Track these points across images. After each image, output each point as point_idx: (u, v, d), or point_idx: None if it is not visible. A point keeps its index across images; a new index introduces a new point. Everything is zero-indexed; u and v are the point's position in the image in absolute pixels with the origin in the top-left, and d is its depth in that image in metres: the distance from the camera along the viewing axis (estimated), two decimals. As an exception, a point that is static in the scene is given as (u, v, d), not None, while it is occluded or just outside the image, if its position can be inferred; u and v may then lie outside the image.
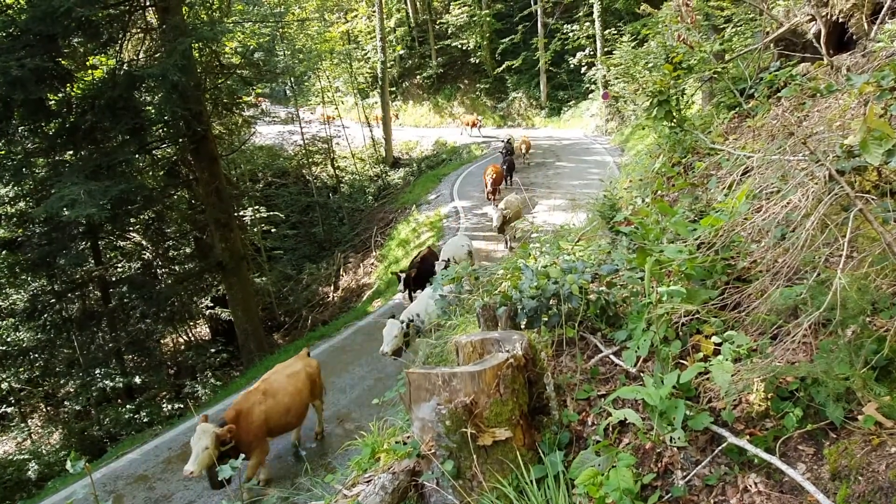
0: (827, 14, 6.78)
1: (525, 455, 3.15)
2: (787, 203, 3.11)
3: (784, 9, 8.41)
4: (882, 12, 6.17)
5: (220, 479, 4.08)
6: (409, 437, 3.74)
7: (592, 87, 29.80)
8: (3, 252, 14.42)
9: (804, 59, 7.18)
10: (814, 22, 7.11)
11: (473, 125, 33.32)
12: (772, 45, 7.88)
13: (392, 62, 37.52)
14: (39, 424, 16.53)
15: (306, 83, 31.01)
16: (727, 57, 8.82)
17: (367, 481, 3.53)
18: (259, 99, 32.07)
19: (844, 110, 4.69)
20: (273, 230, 24.59)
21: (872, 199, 2.87)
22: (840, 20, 6.70)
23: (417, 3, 40.39)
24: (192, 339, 20.20)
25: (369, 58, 35.79)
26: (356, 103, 34.74)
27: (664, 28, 10.59)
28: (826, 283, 2.75)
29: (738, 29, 10.01)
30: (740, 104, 7.49)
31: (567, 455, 3.24)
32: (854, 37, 6.65)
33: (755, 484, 2.71)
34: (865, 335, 2.72)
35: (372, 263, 21.52)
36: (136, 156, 14.89)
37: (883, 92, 3.78)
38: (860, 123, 2.83)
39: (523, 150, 23.26)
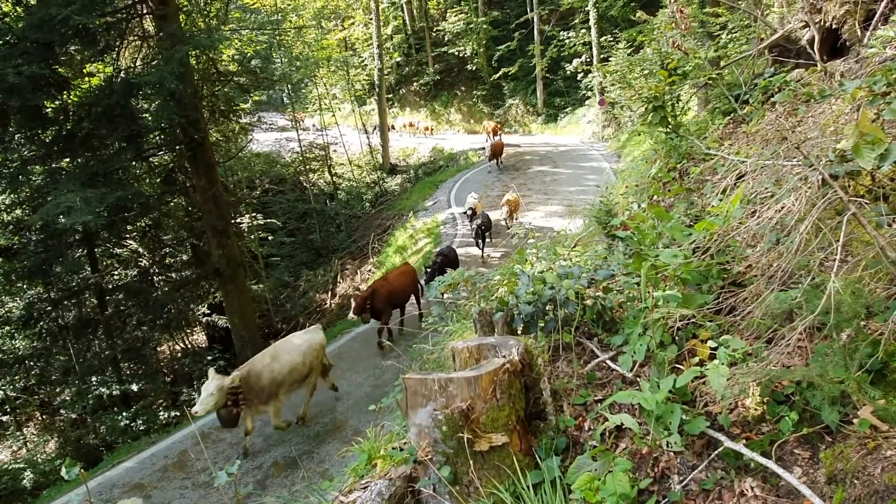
0: (820, 20, 6.83)
1: (522, 460, 3.15)
2: (782, 207, 3.12)
3: (778, 15, 8.47)
4: (875, 18, 6.22)
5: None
6: (405, 443, 3.73)
7: (589, 93, 29.94)
8: (0, 259, 14.38)
9: (798, 65, 7.22)
10: (807, 28, 7.16)
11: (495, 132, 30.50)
12: (766, 51, 7.93)
13: (389, 69, 37.65)
14: (35, 433, 16.43)
15: (303, 90, 31.10)
16: (722, 63, 8.88)
17: (364, 488, 3.52)
18: (300, 115, 32.46)
19: (838, 115, 4.72)
20: (270, 237, 24.57)
21: (866, 202, 2.88)
22: (833, 26, 6.75)
23: (414, 11, 40.57)
24: (189, 346, 20.12)
25: (366, 65, 35.93)
26: (353, 110, 34.87)
27: (659, 35, 10.65)
28: (820, 287, 2.76)
29: (733, 35, 10.09)
30: (735, 110, 7.53)
31: (564, 460, 3.24)
32: (847, 43, 6.69)
33: (751, 488, 2.71)
34: (860, 339, 2.72)
35: (369, 270, 21.49)
36: (133, 163, 14.89)
37: (875, 97, 3.81)
38: (853, 128, 2.85)
39: (505, 215, 16.70)
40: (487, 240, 15.65)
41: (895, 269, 2.61)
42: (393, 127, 36.18)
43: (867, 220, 2.70)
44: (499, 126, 29.59)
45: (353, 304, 10.77)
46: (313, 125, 32.13)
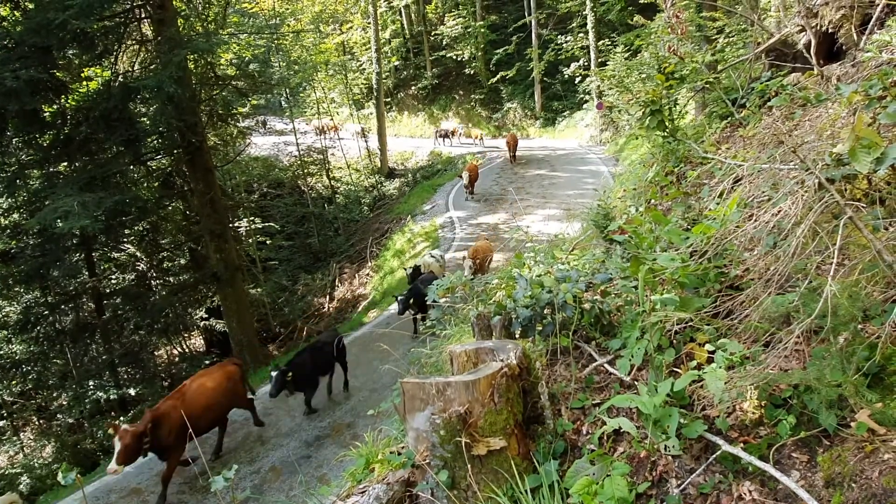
0: (817, 25, 6.86)
1: (520, 464, 3.14)
2: (778, 211, 3.13)
3: (775, 20, 8.51)
4: (871, 23, 6.25)
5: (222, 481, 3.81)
6: (403, 448, 3.73)
7: (586, 97, 30.02)
8: (-3, 264, 14.36)
9: (795, 70, 7.25)
10: (804, 33, 7.19)
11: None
12: (763, 55, 7.96)
13: (387, 73, 37.71)
14: (32, 438, 16.38)
15: (302, 94, 31.14)
16: (719, 67, 8.91)
17: (362, 492, 3.51)
18: (334, 127, 32.18)
19: (834, 119, 4.73)
20: (268, 241, 24.56)
21: (862, 206, 2.90)
22: (830, 31, 6.78)
23: (412, 15, 40.65)
24: (187, 350, 20.11)
25: (364, 69, 36.01)
26: (351, 114, 34.91)
27: (657, 39, 10.68)
28: (817, 291, 2.77)
29: (730, 40, 10.11)
30: (732, 114, 7.55)
31: (562, 464, 3.23)
32: (844, 47, 6.72)
33: (749, 492, 2.71)
34: (857, 342, 2.73)
35: (367, 274, 21.51)
36: (131, 167, 14.89)
37: (871, 101, 3.82)
38: (849, 132, 2.86)
39: (467, 269, 10.87)
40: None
41: (892, 272, 2.61)
42: (449, 133, 34.12)
43: (864, 224, 2.70)
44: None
45: (118, 448, 6.84)
46: (358, 132, 32.05)
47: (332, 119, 33.71)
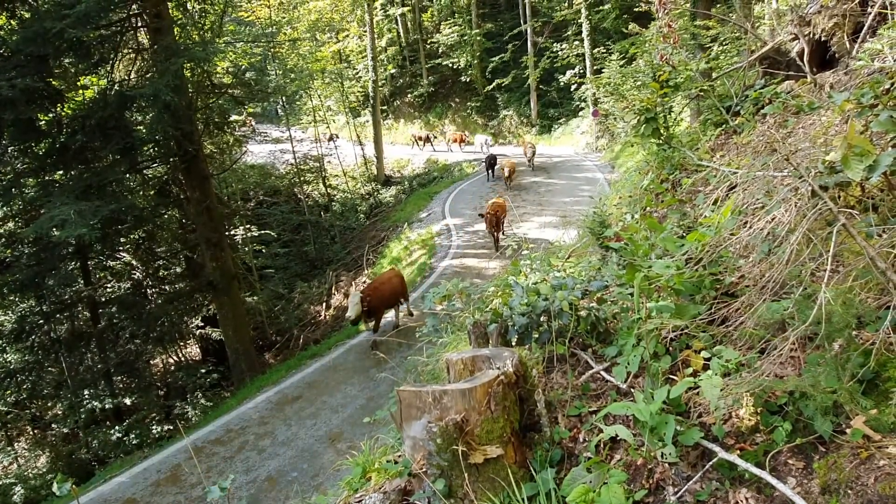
0: (810, 33, 6.91)
1: (516, 472, 3.14)
2: (772, 218, 3.14)
3: (768, 28, 8.58)
4: (863, 31, 6.30)
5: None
6: (400, 456, 3.72)
7: (582, 104, 30.13)
8: (-8, 273, 14.29)
9: (788, 77, 7.29)
10: (797, 41, 7.24)
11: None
12: (757, 63, 8.01)
13: (383, 81, 37.83)
14: (26, 447, 16.26)
15: (298, 102, 31.20)
16: (714, 75, 8.96)
17: (358, 501, 3.50)
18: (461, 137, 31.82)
19: (827, 127, 4.76)
20: (264, 249, 24.53)
21: (855, 213, 2.91)
22: (823, 39, 6.83)
23: (408, 23, 40.86)
24: (183, 359, 20.01)
25: (361, 77, 36.14)
26: (347, 122, 34.98)
27: (651, 47, 10.74)
28: (812, 298, 2.78)
29: (724, 48, 10.19)
30: (727, 121, 7.58)
31: (559, 472, 3.23)
32: (836, 55, 6.77)
33: (746, 499, 2.71)
34: (852, 349, 2.74)
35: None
36: (127, 175, 14.86)
37: (863, 109, 3.85)
38: (842, 140, 2.88)
39: None
40: None
41: (885, 279, 2.63)
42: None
43: (857, 231, 2.72)
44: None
45: None
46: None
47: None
